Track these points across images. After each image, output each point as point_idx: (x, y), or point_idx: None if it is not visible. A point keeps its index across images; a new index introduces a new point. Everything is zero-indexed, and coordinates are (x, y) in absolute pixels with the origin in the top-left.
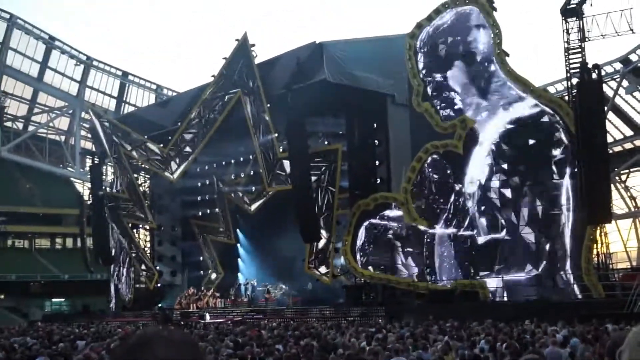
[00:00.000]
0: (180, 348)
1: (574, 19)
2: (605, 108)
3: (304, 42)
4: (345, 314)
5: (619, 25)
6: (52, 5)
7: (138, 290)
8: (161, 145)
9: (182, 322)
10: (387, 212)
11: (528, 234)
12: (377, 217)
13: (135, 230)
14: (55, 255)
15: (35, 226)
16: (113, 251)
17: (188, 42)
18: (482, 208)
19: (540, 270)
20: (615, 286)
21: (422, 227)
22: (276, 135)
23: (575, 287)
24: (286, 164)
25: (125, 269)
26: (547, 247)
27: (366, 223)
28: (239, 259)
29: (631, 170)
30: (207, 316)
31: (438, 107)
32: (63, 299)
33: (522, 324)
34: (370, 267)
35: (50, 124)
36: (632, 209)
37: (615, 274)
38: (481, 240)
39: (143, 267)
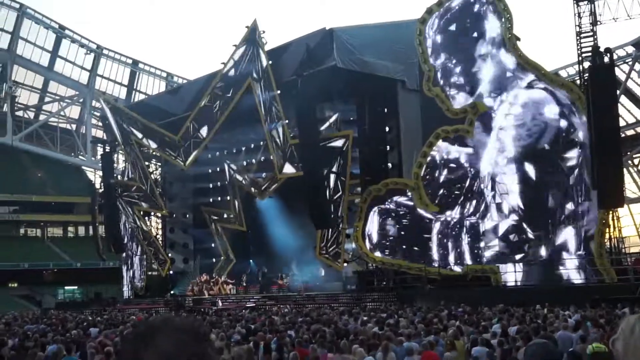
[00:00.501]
0: (185, 339)
1: (586, 2)
2: (618, 92)
3: (314, 28)
4: (357, 300)
5: (631, 8)
6: None
7: (150, 278)
8: (172, 132)
9: (194, 309)
10: (396, 198)
11: (540, 219)
12: (386, 203)
13: (147, 218)
14: (68, 244)
15: (48, 215)
16: (125, 239)
17: (198, 30)
18: (493, 193)
19: (551, 254)
20: (627, 270)
21: (428, 214)
22: (287, 121)
23: (588, 271)
24: (297, 150)
25: (137, 257)
26: (560, 231)
27: (372, 209)
28: (250, 246)
29: None
30: (220, 302)
31: (448, 92)
32: (76, 287)
33: (533, 309)
34: (380, 253)
35: (61, 113)
36: None
37: (628, 258)
38: (492, 224)
39: (155, 254)
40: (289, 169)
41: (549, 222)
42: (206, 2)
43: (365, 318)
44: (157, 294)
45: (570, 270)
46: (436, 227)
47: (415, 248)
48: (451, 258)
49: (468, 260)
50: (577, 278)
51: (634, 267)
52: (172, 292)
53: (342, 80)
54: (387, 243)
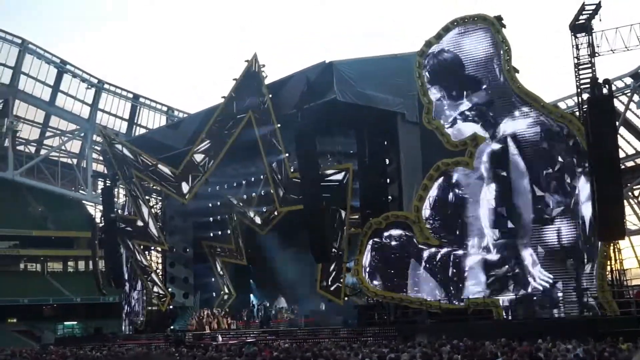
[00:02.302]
0: None
1: (584, 34)
2: (617, 123)
3: (314, 62)
4: (358, 334)
5: (628, 39)
6: (63, 30)
7: (150, 313)
8: (172, 166)
9: (195, 344)
10: (392, 231)
11: (540, 252)
12: (382, 237)
13: (147, 252)
14: (68, 278)
15: (48, 249)
16: (125, 274)
17: (198, 64)
18: (491, 227)
19: (554, 288)
20: (630, 303)
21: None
22: (287, 155)
23: (590, 304)
24: (297, 184)
25: (137, 292)
26: (562, 264)
27: (371, 242)
28: (250, 280)
29: None
30: (220, 337)
31: (446, 125)
32: (75, 322)
33: (536, 342)
34: (379, 285)
35: (62, 147)
36: None
37: (630, 290)
38: (492, 258)
39: (155, 289)
40: (289, 202)
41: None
42: (206, 36)
43: (366, 353)
44: (157, 329)
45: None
46: (426, 259)
47: (411, 281)
48: (444, 292)
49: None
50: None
51: (636, 299)
52: (172, 327)
53: (342, 113)
54: (386, 276)
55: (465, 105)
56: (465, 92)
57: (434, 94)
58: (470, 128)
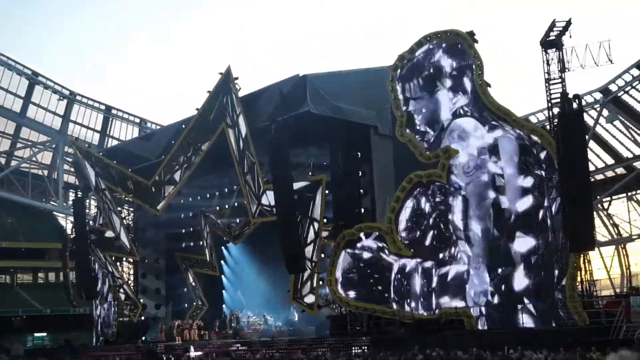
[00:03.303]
0: None
1: (554, 50)
2: (587, 137)
3: (288, 75)
4: (330, 345)
5: (598, 56)
6: (34, 42)
7: (122, 324)
8: (145, 178)
9: (167, 356)
10: (364, 242)
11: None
12: (355, 248)
13: (118, 264)
14: (38, 290)
15: (18, 261)
16: (96, 285)
17: (171, 76)
18: (463, 237)
19: (524, 297)
20: (599, 313)
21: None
22: (260, 166)
23: (560, 315)
24: (270, 195)
25: (108, 303)
26: (531, 275)
27: (343, 253)
28: (223, 291)
29: (613, 197)
30: (192, 349)
31: (420, 138)
32: (45, 334)
33: (508, 352)
34: (351, 296)
35: (33, 159)
36: (615, 236)
37: (600, 301)
38: (461, 269)
39: (127, 300)
40: (262, 213)
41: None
42: (179, 48)
43: None
44: (129, 340)
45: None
46: (397, 270)
47: (384, 291)
48: (416, 302)
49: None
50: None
51: (606, 309)
52: (143, 338)
53: (316, 125)
54: (358, 287)
55: (436, 117)
56: (437, 105)
57: (407, 106)
58: (443, 141)
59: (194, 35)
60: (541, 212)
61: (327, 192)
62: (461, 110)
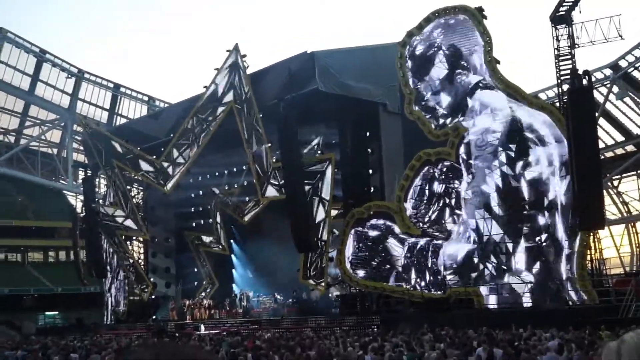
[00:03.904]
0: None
1: (564, 26)
2: (597, 114)
3: (296, 52)
4: (340, 323)
5: (607, 31)
6: (43, 19)
7: (132, 303)
8: (154, 156)
9: (177, 334)
10: (374, 221)
11: (520, 241)
12: (364, 227)
13: (128, 242)
14: (49, 269)
15: (28, 239)
16: (107, 264)
17: (179, 54)
18: (472, 216)
19: (534, 276)
20: (609, 292)
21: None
22: (269, 145)
23: (571, 294)
24: (279, 173)
25: (119, 281)
26: (541, 253)
27: (352, 231)
28: (233, 270)
29: (623, 175)
30: (202, 327)
31: (429, 115)
32: (57, 312)
33: (517, 331)
34: (361, 275)
35: (42, 137)
36: (625, 215)
37: (609, 279)
38: (472, 248)
39: (137, 279)
40: (271, 192)
41: (531, 242)
42: (187, 26)
43: (348, 341)
44: (139, 318)
45: (553, 292)
46: (408, 248)
47: (393, 270)
48: (425, 281)
49: (447, 283)
50: (560, 300)
51: (616, 288)
52: (154, 317)
53: (324, 103)
54: (368, 266)
55: (446, 94)
56: (446, 82)
57: (416, 84)
58: (451, 118)
59: (208, 16)
60: (552, 190)
61: (336, 170)
62: (480, 84)
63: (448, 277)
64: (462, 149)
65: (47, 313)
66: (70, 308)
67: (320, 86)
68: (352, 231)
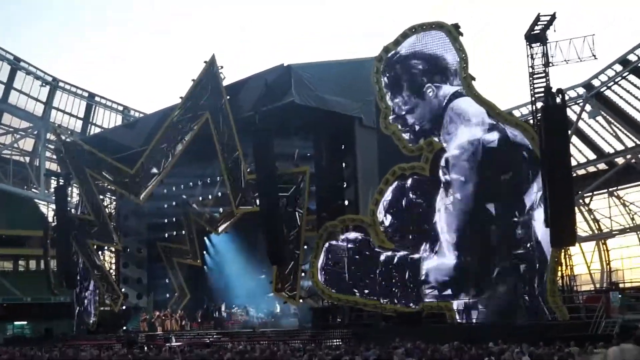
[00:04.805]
0: None
1: (538, 44)
2: (569, 132)
3: (272, 65)
4: (312, 337)
5: (581, 51)
6: (18, 27)
7: (103, 313)
8: (128, 166)
9: (148, 345)
10: (347, 234)
11: (493, 257)
12: (338, 240)
13: (100, 252)
14: (18, 278)
15: None
16: (77, 274)
17: (155, 63)
18: (447, 230)
19: (505, 292)
20: (579, 308)
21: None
22: (244, 156)
23: (542, 309)
24: (254, 185)
25: (89, 292)
26: (514, 269)
27: (326, 245)
28: (205, 281)
29: (594, 193)
30: (173, 339)
31: (403, 130)
32: (25, 322)
33: (487, 346)
34: (334, 288)
35: (15, 145)
36: (596, 232)
37: (580, 296)
38: (445, 262)
39: (108, 289)
40: (245, 204)
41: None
42: (164, 36)
43: (320, 354)
44: (110, 329)
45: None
46: (382, 262)
47: (366, 283)
48: (399, 295)
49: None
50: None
51: (586, 304)
52: (124, 328)
53: (300, 116)
54: (341, 279)
55: (421, 109)
56: (422, 97)
57: (392, 99)
58: (426, 133)
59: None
60: (527, 206)
61: (310, 183)
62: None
63: (427, 291)
64: (442, 161)
65: (15, 323)
66: (40, 318)
67: (296, 99)
68: (326, 244)
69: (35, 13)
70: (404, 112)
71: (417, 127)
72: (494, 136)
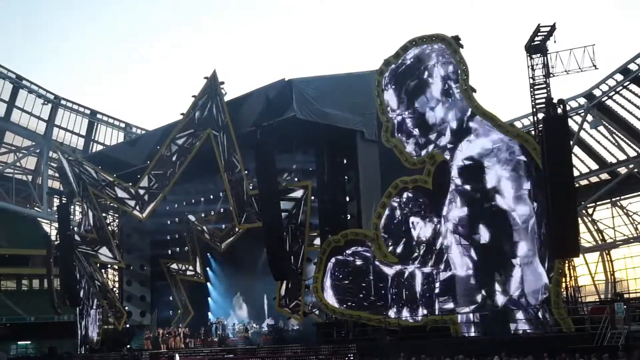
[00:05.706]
0: None
1: (539, 55)
2: (571, 142)
3: (273, 79)
4: (317, 352)
5: (582, 61)
6: (20, 46)
7: (106, 331)
8: (130, 183)
9: None
10: (354, 248)
11: (497, 269)
12: (341, 254)
13: (103, 270)
14: (22, 297)
15: (1, 267)
16: (81, 292)
17: (157, 80)
18: (451, 244)
19: (512, 304)
20: (584, 319)
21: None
22: (246, 172)
23: (547, 321)
24: (256, 201)
25: (93, 310)
26: (516, 281)
27: (331, 259)
28: (209, 298)
29: (597, 203)
30: (177, 357)
31: (405, 143)
32: (29, 342)
33: (491, 359)
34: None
35: (17, 164)
36: (599, 242)
37: (584, 307)
38: (449, 276)
39: (111, 307)
40: (248, 219)
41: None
42: (164, 52)
43: None
44: (113, 348)
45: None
46: (390, 276)
47: (372, 298)
48: (407, 309)
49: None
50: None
51: (591, 316)
52: (128, 346)
53: (302, 130)
54: (345, 294)
55: (422, 122)
56: (422, 110)
57: (393, 112)
58: (428, 146)
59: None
60: (532, 219)
61: (312, 198)
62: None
63: (427, 306)
64: (453, 173)
65: (19, 342)
66: (43, 337)
67: (298, 113)
68: (329, 259)
69: (36, 33)
70: (407, 124)
71: (419, 140)
72: (493, 148)
